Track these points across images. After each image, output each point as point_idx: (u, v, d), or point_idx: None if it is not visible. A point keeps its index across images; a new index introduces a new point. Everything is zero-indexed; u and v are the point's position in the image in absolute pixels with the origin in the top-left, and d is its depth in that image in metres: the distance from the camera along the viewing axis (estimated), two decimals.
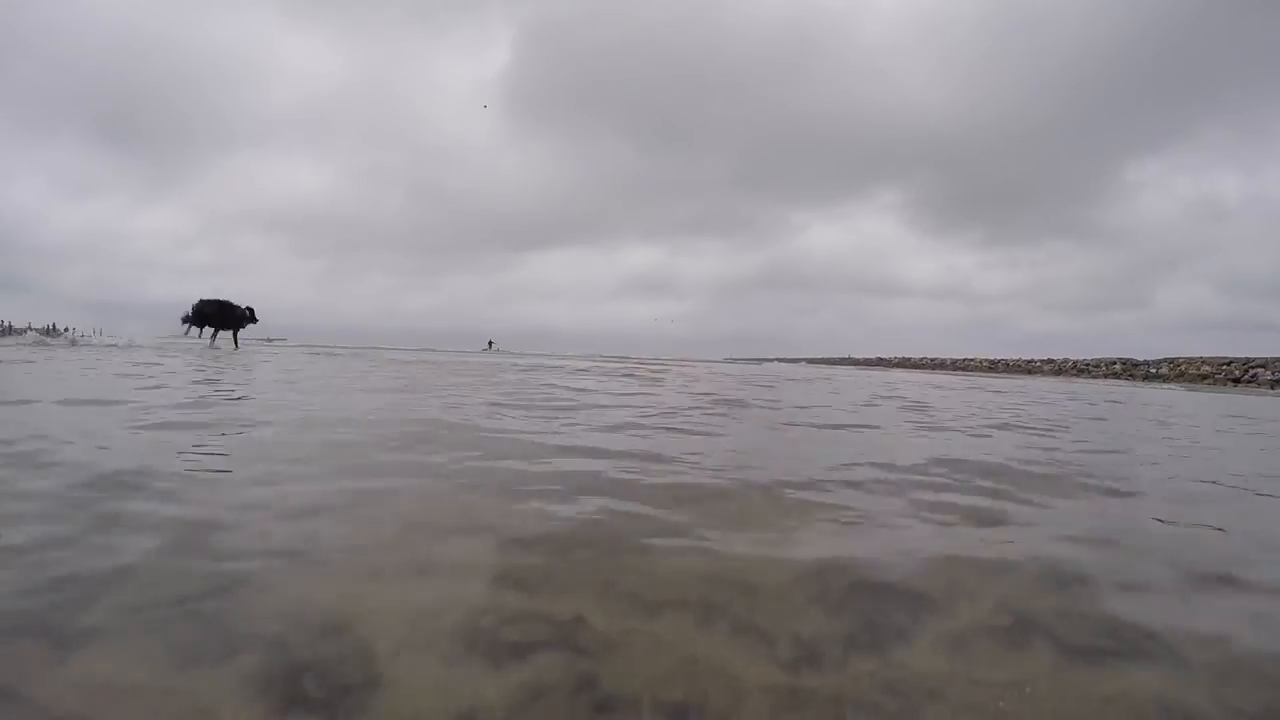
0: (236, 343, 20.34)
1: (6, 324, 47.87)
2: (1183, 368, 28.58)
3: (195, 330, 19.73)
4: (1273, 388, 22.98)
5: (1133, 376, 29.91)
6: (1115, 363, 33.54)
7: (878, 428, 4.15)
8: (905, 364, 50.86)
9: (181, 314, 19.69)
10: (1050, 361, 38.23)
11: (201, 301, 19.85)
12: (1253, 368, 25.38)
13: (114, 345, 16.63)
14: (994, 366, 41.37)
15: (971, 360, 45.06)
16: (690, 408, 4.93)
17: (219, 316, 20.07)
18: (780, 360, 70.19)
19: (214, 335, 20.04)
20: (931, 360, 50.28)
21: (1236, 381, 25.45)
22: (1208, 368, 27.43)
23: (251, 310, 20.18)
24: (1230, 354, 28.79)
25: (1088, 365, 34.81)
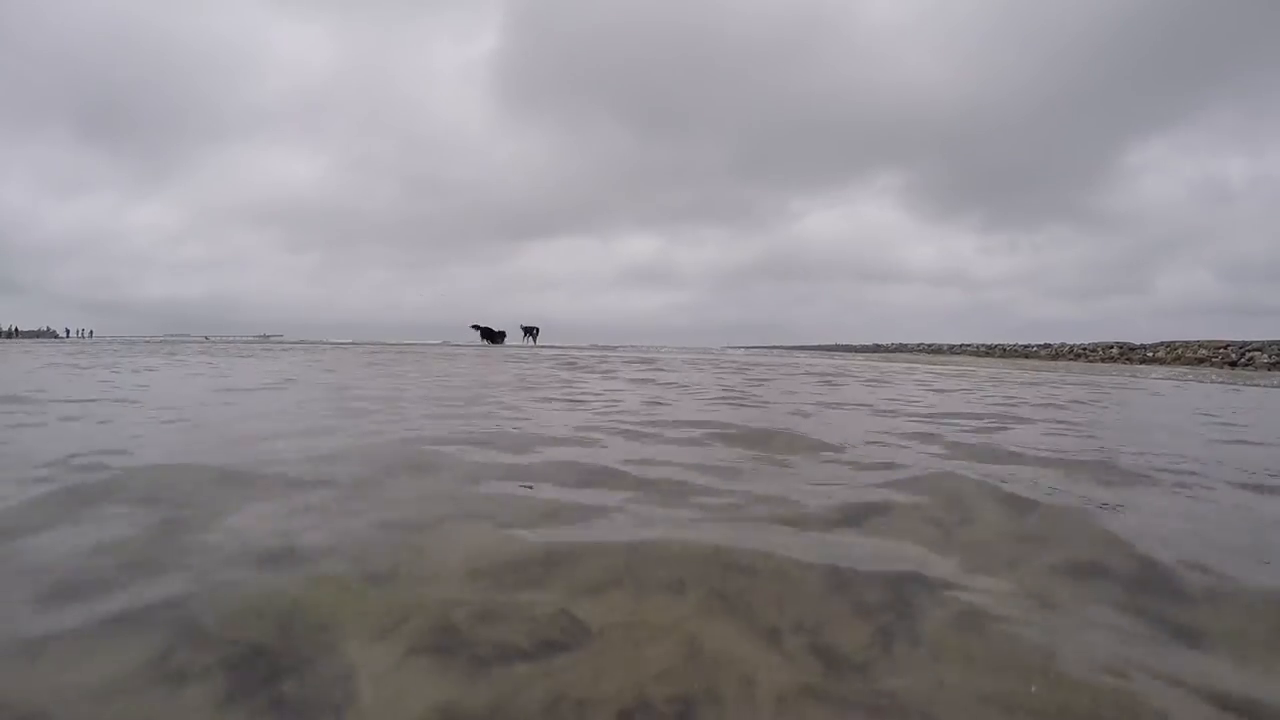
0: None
1: (13, 328, 48.29)
2: (1179, 351, 27.53)
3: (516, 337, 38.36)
4: (1270, 370, 22.06)
5: (1129, 360, 29.01)
6: (1112, 347, 32.49)
7: None
8: (903, 350, 49.92)
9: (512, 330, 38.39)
10: (1046, 346, 37.19)
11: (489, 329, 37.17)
12: (1249, 351, 24.38)
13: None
14: (990, 352, 40.42)
15: (967, 346, 44.10)
16: None
17: (500, 334, 37.40)
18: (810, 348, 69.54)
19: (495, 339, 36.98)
20: (928, 347, 49.31)
21: (1233, 365, 24.45)
22: (1204, 351, 26.39)
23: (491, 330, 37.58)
24: (1229, 338, 27.80)
25: (1084, 350, 33.79)
